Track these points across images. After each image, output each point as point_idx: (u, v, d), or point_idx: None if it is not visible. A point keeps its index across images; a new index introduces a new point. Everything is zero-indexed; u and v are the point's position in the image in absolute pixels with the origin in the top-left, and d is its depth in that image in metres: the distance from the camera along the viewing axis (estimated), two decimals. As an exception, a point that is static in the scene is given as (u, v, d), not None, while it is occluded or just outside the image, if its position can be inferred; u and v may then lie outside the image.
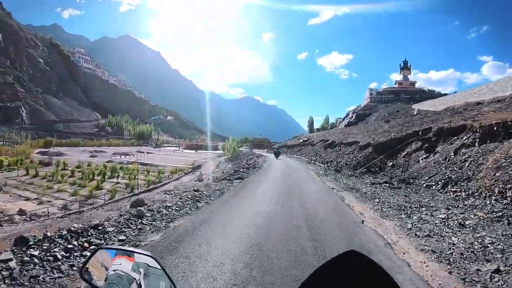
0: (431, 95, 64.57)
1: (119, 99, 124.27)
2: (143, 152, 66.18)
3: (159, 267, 0.87)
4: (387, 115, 50.35)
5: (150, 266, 0.87)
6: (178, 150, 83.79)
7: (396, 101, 64.15)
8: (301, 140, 44.93)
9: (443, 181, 11.17)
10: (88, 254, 0.73)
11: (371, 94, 71.63)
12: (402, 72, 75.10)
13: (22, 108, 71.30)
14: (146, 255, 0.90)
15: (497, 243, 5.15)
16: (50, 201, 22.77)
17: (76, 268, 3.85)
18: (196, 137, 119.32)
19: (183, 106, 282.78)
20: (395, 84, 75.74)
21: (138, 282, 0.83)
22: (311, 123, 78.11)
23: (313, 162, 24.79)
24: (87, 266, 0.90)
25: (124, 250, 0.92)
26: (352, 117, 64.11)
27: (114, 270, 0.84)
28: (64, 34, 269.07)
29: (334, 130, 49.77)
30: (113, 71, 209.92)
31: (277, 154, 33.09)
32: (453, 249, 4.98)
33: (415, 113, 40.55)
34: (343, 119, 69.74)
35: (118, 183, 29.55)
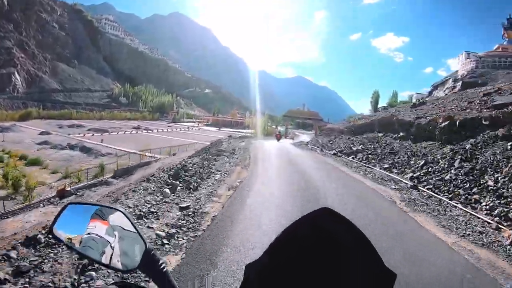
0: None
1: (149, 69, 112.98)
2: (138, 129, 50.93)
3: (133, 229, 0.84)
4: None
5: (124, 230, 0.85)
6: (197, 127, 67.35)
7: (516, 65, 46.91)
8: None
9: None
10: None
11: (468, 57, 50.26)
12: (506, 34, 54.54)
13: (17, 75, 61.46)
14: (118, 210, 0.88)
15: None
16: None
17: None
18: (228, 112, 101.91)
19: (232, 83, 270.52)
20: (497, 48, 53.25)
21: (113, 245, 0.82)
22: (375, 100, 56.96)
23: None
24: (56, 223, 0.85)
25: (96, 205, 0.89)
26: (454, 86, 43.63)
27: (88, 234, 0.83)
28: (115, 12, 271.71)
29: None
30: (163, 48, 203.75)
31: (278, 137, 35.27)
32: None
33: None
34: (431, 93, 50.47)
35: None
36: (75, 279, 3.97)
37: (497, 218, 8.34)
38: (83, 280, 3.97)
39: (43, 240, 4.78)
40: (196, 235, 5.87)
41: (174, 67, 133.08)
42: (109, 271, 3.99)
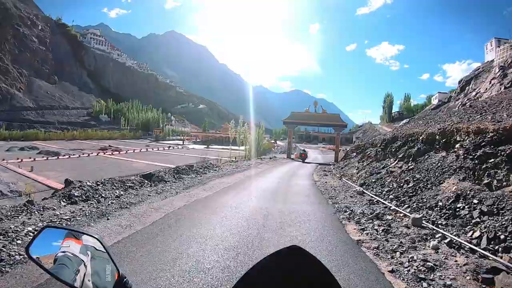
0: None
1: (138, 84, 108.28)
2: (105, 150, 44.67)
3: (104, 250, 0.89)
4: None
5: (97, 250, 0.89)
6: (181, 145, 60.97)
7: None
8: None
9: None
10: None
11: (499, 44, 40.86)
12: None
13: (-18, 92, 55.96)
14: (93, 237, 0.91)
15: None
16: None
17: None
18: (221, 128, 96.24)
19: (228, 99, 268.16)
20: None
21: (86, 264, 0.85)
22: (389, 105, 50.25)
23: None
24: (32, 244, 0.88)
25: (72, 230, 0.92)
26: (504, 74, 32.46)
27: (63, 252, 0.85)
28: (111, 33, 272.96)
29: None
30: (159, 67, 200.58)
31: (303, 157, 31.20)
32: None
33: None
34: (463, 88, 39.44)
35: None
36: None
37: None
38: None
39: None
40: None
41: (164, 82, 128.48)
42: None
